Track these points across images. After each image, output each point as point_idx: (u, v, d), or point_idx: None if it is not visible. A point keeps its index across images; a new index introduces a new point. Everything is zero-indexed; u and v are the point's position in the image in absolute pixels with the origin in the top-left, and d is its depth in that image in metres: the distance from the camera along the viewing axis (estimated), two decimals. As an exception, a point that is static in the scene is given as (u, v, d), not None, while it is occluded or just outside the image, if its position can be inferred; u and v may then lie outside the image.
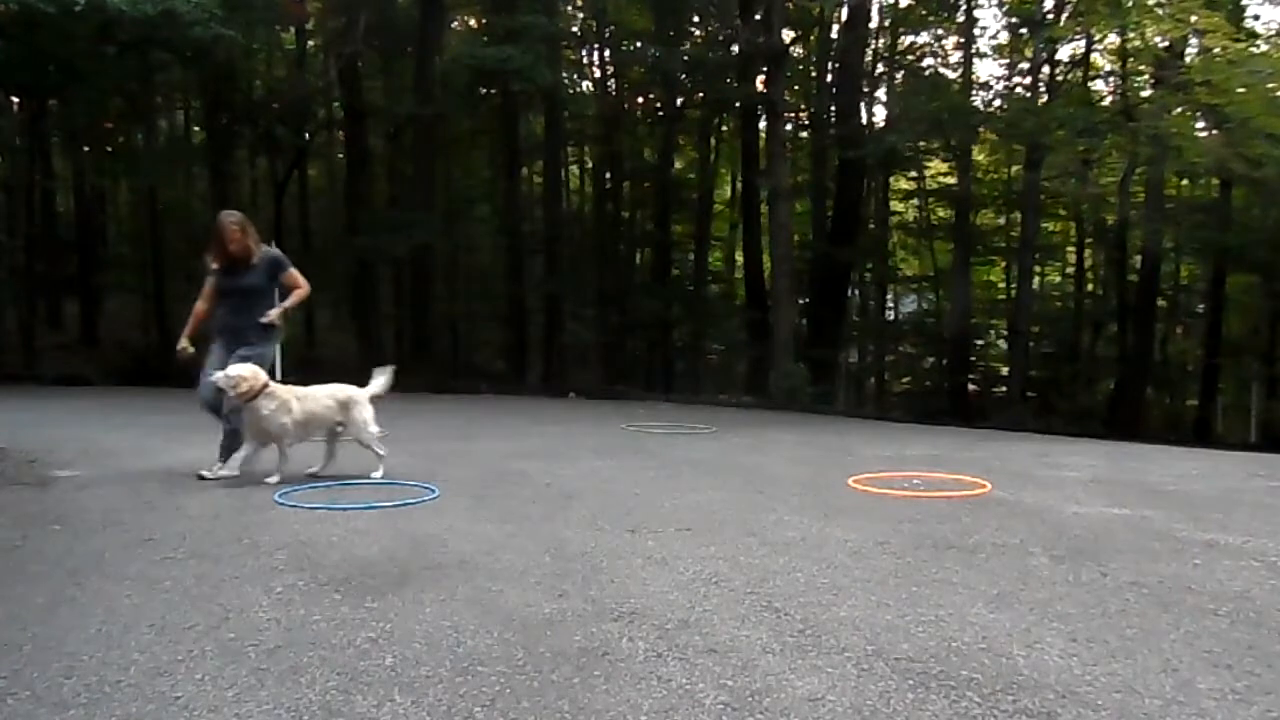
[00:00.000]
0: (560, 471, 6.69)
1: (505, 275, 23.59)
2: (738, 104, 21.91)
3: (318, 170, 27.64)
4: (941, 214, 25.35)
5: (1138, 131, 15.80)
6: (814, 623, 3.26)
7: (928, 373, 25.48)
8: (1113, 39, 19.38)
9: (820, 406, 16.59)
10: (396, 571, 3.87)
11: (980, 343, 24.87)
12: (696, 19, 23.09)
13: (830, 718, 2.53)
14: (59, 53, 15.62)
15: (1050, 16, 18.13)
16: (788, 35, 20.16)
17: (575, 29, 23.57)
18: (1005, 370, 22.99)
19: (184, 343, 6.06)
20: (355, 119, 22.25)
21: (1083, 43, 20.15)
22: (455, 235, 22.11)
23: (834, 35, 22.24)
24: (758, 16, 18.10)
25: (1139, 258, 22.39)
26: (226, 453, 6.06)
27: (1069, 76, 21.19)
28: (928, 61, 23.73)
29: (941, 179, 25.03)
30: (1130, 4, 14.94)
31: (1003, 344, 24.26)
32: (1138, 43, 17.34)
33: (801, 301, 21.95)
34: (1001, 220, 25.31)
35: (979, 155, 23.37)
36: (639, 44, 23.43)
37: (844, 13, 20.81)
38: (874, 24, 22.70)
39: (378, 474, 6.05)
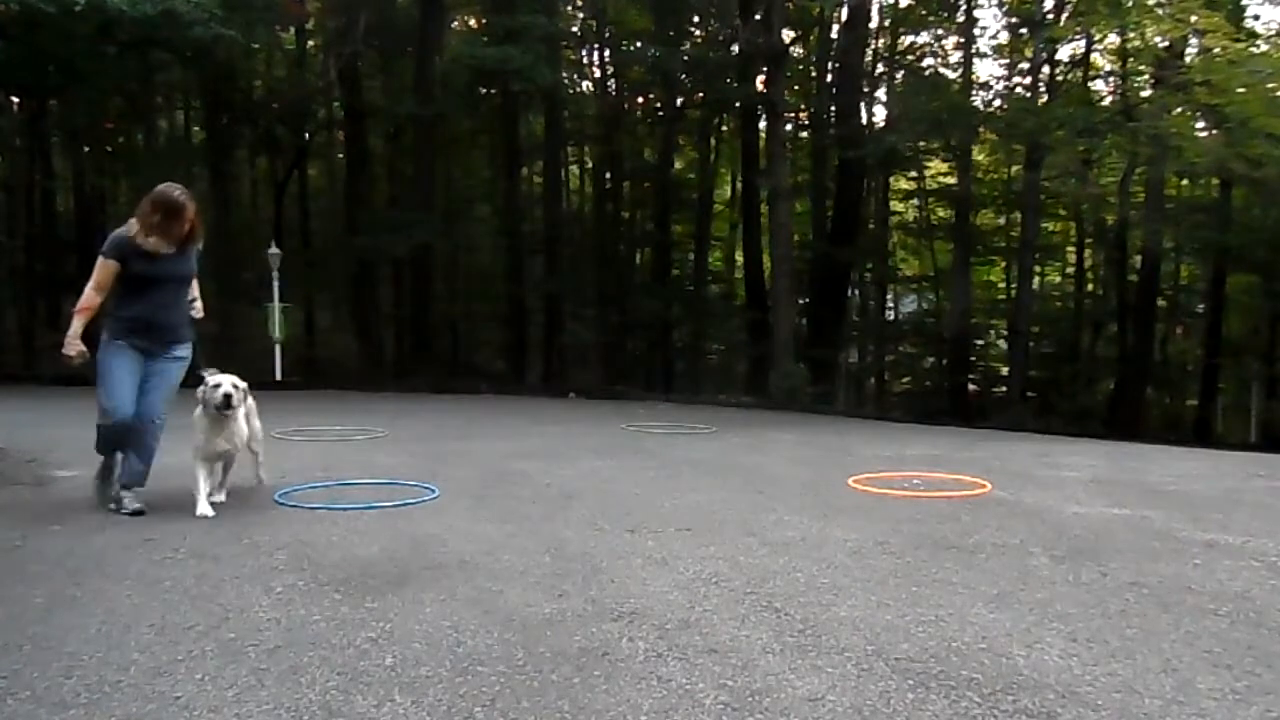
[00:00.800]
0: (560, 471, 6.69)
1: (505, 275, 23.59)
2: (738, 104, 21.91)
3: (318, 170, 27.64)
4: (941, 214, 25.35)
5: (1138, 131, 15.81)
6: (814, 623, 3.26)
7: (928, 373, 25.49)
8: (1113, 39, 19.40)
9: (820, 406, 16.60)
10: (396, 571, 3.87)
11: (980, 343, 24.87)
12: (696, 19, 23.10)
13: (830, 718, 2.53)
14: (59, 53, 15.63)
15: (1050, 16, 18.15)
16: (788, 35, 20.17)
17: (575, 29, 23.58)
18: (1005, 370, 22.99)
19: (80, 344, 5.03)
20: (355, 119, 22.25)
21: (1083, 43, 20.17)
22: (455, 235, 22.12)
23: (834, 35, 22.25)
24: (758, 16, 18.10)
25: (1139, 258, 22.40)
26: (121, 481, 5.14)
27: (1069, 76, 21.20)
28: (928, 61, 23.77)
29: (941, 179, 25.03)
30: (1130, 4, 14.95)
31: (1003, 344, 24.26)
32: (1138, 43, 17.35)
33: (801, 301, 21.95)
34: (1001, 220, 25.31)
35: (979, 155, 23.37)
36: (639, 44, 23.44)
37: (844, 13, 20.82)
38: (874, 24, 22.74)
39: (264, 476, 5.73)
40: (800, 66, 23.74)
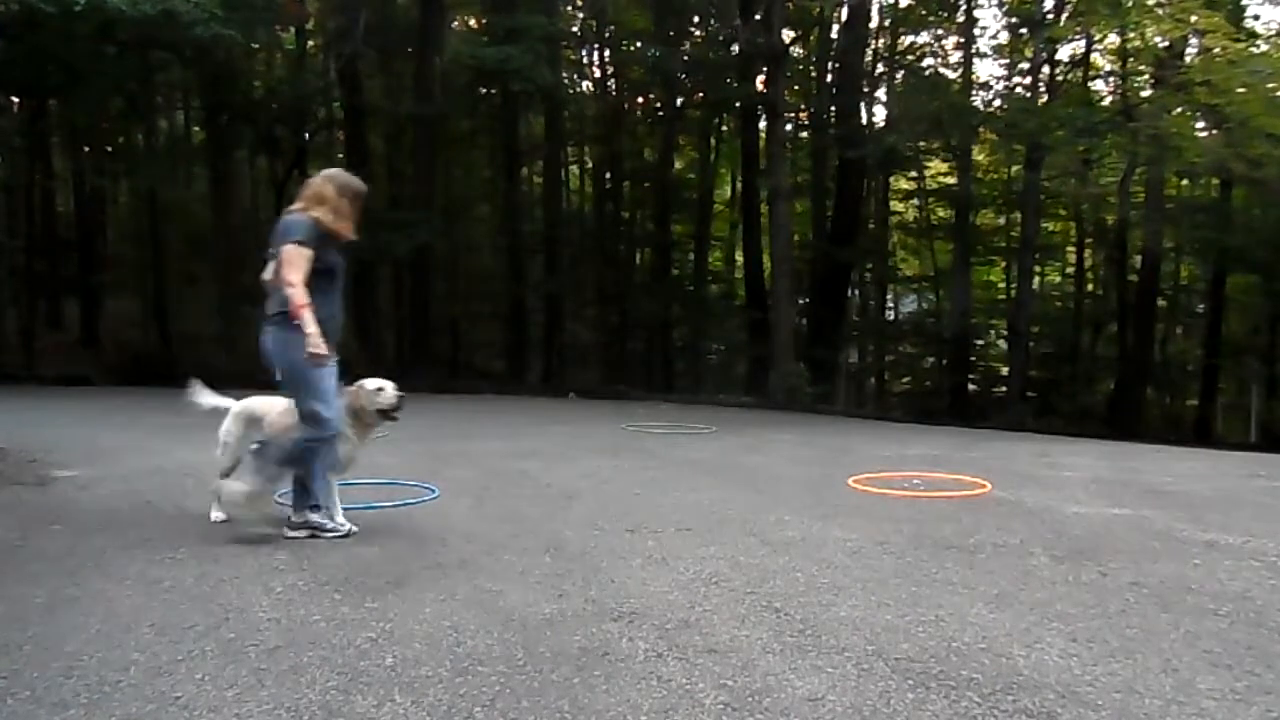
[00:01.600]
0: (560, 471, 6.69)
1: (505, 275, 23.59)
2: (738, 104, 21.90)
3: (318, 170, 27.62)
4: (941, 214, 25.35)
5: (1138, 131, 15.80)
6: (814, 623, 3.26)
7: (928, 373, 25.49)
8: (1113, 39, 19.39)
9: (820, 406, 16.59)
10: (396, 571, 3.87)
11: (980, 343, 24.88)
12: (696, 19, 23.08)
13: (830, 718, 2.53)
14: (59, 53, 15.62)
15: (1050, 16, 18.14)
16: (788, 35, 20.16)
17: (575, 29, 23.57)
18: (1005, 370, 22.98)
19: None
20: (355, 119, 22.24)
21: (1083, 43, 20.16)
22: (455, 235, 22.11)
23: (834, 35, 22.25)
24: (758, 16, 18.10)
25: (1139, 258, 22.40)
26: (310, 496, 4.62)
27: (1069, 76, 21.20)
28: (928, 61, 23.75)
29: (941, 179, 25.03)
30: (1130, 4, 14.94)
31: (1003, 344, 24.26)
32: (1138, 43, 17.35)
33: (801, 301, 21.95)
34: (1001, 220, 25.32)
35: (979, 155, 23.37)
36: (639, 44, 23.43)
37: (844, 13, 20.82)
38: (874, 24, 22.72)
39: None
40: (800, 66, 23.73)
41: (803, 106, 24.32)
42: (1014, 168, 23.05)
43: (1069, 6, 18.02)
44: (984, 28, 29.04)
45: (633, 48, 23.91)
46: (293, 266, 4.24)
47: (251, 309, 22.00)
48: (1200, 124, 16.33)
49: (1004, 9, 20.75)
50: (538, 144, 24.11)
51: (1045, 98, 19.50)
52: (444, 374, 20.03)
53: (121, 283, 24.26)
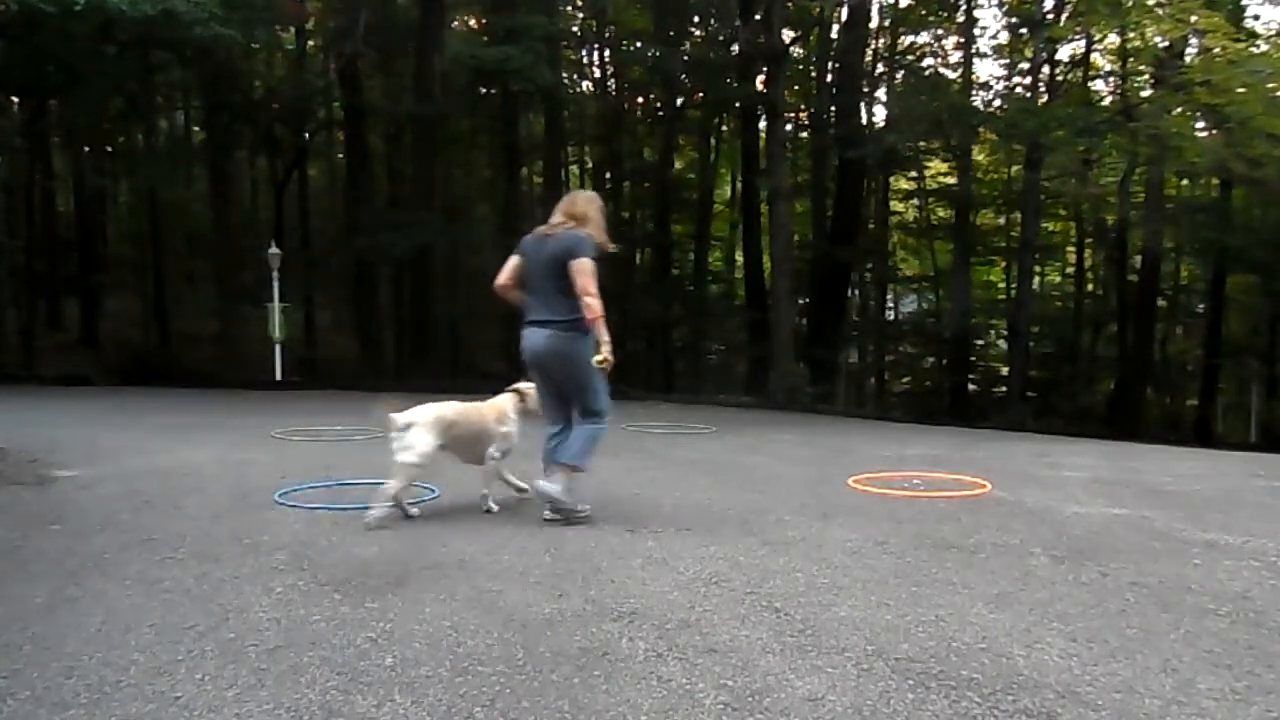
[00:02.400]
0: (560, 471, 6.67)
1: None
2: (738, 104, 21.91)
3: (318, 170, 27.64)
4: (941, 214, 25.37)
5: (1138, 131, 15.80)
6: (814, 623, 3.26)
7: (928, 373, 25.50)
8: (1113, 39, 19.41)
9: (820, 406, 16.60)
10: (396, 571, 3.87)
11: (980, 343, 24.90)
12: (696, 19, 23.09)
13: (830, 718, 2.53)
14: (59, 53, 15.64)
15: (1050, 16, 18.15)
16: (788, 35, 20.16)
17: (575, 29, 23.58)
18: (1005, 370, 23.00)
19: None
20: (355, 119, 22.26)
21: (1083, 43, 20.18)
22: (455, 235, 22.12)
23: (834, 35, 22.26)
24: (758, 16, 18.10)
25: (1139, 258, 22.41)
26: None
27: (1069, 76, 21.21)
28: (928, 61, 23.79)
29: (941, 179, 25.05)
30: (1130, 4, 14.94)
31: (1003, 344, 24.28)
32: (1138, 43, 17.35)
33: (801, 301, 21.95)
34: (1001, 220, 25.34)
35: (979, 155, 23.39)
36: (639, 44, 23.44)
37: (844, 13, 20.84)
38: (874, 24, 22.74)
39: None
40: (800, 66, 23.75)
41: (803, 106, 24.34)
42: (1014, 168, 23.08)
43: (1069, 6, 18.02)
44: (984, 28, 29.16)
45: (633, 48, 23.92)
46: (591, 279, 4.79)
47: (251, 308, 22.15)
48: (1200, 124, 16.33)
49: (1004, 9, 20.79)
50: (538, 144, 24.10)
51: (1045, 98, 19.51)
52: (444, 374, 20.02)
53: (121, 283, 24.29)
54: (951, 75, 22.52)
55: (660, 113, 24.79)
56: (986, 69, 28.21)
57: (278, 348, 17.24)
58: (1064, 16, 17.90)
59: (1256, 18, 20.73)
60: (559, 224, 5.02)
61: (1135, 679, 2.79)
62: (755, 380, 20.26)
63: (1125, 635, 3.18)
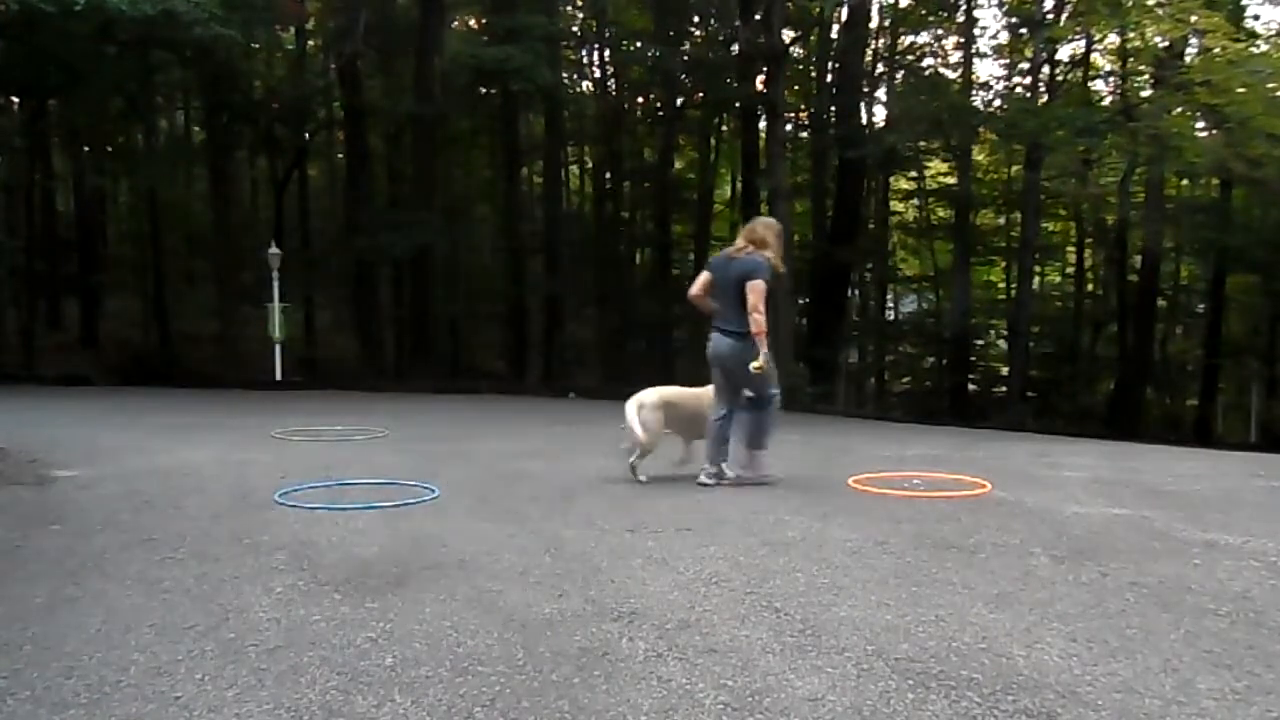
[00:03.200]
0: (560, 471, 6.69)
1: (505, 275, 23.57)
2: (738, 104, 21.90)
3: (318, 170, 27.64)
4: (941, 214, 25.35)
5: (1138, 131, 15.79)
6: (814, 623, 3.26)
7: (928, 373, 25.49)
8: (1113, 39, 19.39)
9: (820, 406, 16.60)
10: (396, 571, 3.87)
11: (980, 343, 24.88)
12: (696, 19, 23.09)
13: (830, 718, 2.53)
14: (59, 53, 15.64)
15: (1050, 16, 18.15)
16: (788, 35, 20.16)
17: (575, 29, 23.58)
18: (1005, 370, 22.99)
19: None
20: (355, 119, 22.26)
21: (1083, 43, 20.16)
22: (455, 235, 22.13)
23: (834, 35, 22.24)
24: (758, 16, 18.10)
25: (1139, 258, 22.40)
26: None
27: (1069, 76, 21.21)
28: (928, 61, 23.77)
29: (941, 179, 25.03)
30: (1130, 4, 14.93)
31: (1003, 344, 24.27)
32: (1138, 43, 17.34)
33: (801, 301, 21.93)
34: (1001, 220, 25.32)
35: (979, 155, 23.38)
36: (639, 44, 23.42)
37: (844, 13, 20.81)
38: (874, 24, 22.73)
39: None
40: (800, 66, 23.73)
41: (803, 106, 24.32)
42: (1014, 168, 23.07)
43: (1069, 6, 18.02)
44: (984, 28, 29.10)
45: (633, 48, 23.90)
46: (761, 298, 5.71)
47: (251, 308, 22.16)
48: (1200, 124, 16.32)
49: (1004, 9, 20.77)
50: (538, 144, 24.11)
51: (1045, 98, 19.51)
52: (444, 374, 20.03)
53: (121, 283, 24.29)
54: (951, 75, 22.52)
55: (660, 113, 24.79)
56: (986, 69, 28.21)
57: (278, 348, 17.25)
58: (1064, 16, 17.89)
59: (1256, 18, 20.72)
60: (741, 248, 5.92)
61: (1135, 679, 2.79)
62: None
63: (1125, 635, 3.18)
